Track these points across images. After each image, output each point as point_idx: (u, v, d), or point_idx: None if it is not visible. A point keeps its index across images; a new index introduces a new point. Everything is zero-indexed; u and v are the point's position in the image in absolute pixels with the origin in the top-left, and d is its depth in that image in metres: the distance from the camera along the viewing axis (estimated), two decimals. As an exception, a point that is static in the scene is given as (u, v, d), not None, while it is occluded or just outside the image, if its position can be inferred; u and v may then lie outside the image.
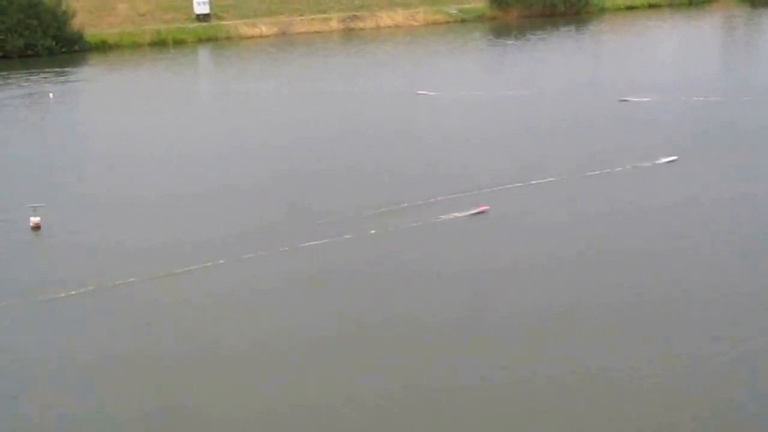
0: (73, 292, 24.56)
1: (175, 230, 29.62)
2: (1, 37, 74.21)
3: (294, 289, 24.40)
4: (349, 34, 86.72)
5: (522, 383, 19.17)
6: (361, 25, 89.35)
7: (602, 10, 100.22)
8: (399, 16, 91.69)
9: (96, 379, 20.10)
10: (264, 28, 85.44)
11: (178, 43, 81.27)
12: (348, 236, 27.93)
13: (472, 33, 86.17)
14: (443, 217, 29.50)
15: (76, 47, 77.17)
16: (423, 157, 37.51)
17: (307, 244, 27.38)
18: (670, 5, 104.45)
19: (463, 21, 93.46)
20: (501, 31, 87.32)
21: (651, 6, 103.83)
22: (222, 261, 26.36)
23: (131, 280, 25.35)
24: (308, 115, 47.75)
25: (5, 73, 66.08)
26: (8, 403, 19.27)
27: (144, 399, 19.15)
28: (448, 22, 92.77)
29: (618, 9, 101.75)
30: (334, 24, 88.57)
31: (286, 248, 27.16)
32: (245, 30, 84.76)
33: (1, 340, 22.16)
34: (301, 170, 36.26)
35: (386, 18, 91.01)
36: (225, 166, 37.73)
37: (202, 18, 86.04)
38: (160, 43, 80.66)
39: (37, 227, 30.08)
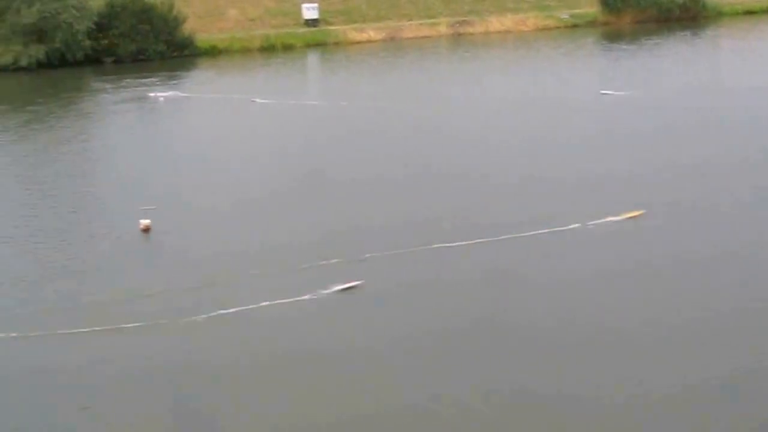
0: (181, 293, 24.41)
1: (285, 232, 29.18)
2: (115, 42, 75.27)
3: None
4: (458, 39, 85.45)
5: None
6: (470, 30, 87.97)
7: (719, 14, 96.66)
8: (509, 21, 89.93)
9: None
10: (372, 33, 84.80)
11: (287, 48, 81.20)
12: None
13: (585, 38, 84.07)
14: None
15: (187, 52, 77.76)
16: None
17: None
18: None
19: (574, 26, 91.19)
20: (614, 36, 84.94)
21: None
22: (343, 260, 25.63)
23: (240, 280, 24.85)
24: (430, 119, 46.90)
25: (114, 76, 66.93)
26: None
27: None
28: (558, 27, 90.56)
29: (736, 13, 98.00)
30: (443, 29, 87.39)
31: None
32: (354, 35, 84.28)
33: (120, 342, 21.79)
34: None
35: (496, 23, 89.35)
36: (340, 169, 37.20)
37: (311, 23, 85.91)
38: (269, 48, 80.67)
39: (147, 230, 29.97)
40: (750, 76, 56.14)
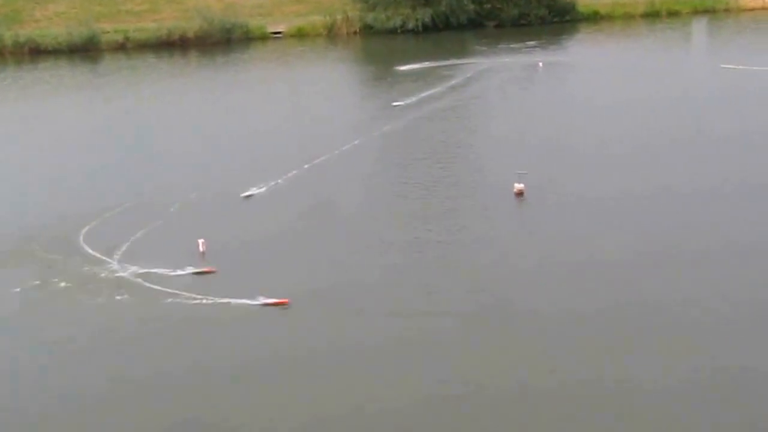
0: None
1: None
2: (498, 6, 76.25)
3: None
4: None
5: None
6: None
7: None
8: None
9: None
10: (766, -1, 78.94)
11: (672, 14, 77.84)
12: None
13: None
14: None
15: (568, 17, 76.97)
16: None
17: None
18: None
19: None
20: None
21: None
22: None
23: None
24: None
25: (488, 40, 67.76)
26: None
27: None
28: None
29: None
30: None
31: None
32: (746, 2, 78.89)
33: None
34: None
35: None
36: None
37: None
38: (652, 15, 77.80)
39: (520, 194, 30.05)
40: None
